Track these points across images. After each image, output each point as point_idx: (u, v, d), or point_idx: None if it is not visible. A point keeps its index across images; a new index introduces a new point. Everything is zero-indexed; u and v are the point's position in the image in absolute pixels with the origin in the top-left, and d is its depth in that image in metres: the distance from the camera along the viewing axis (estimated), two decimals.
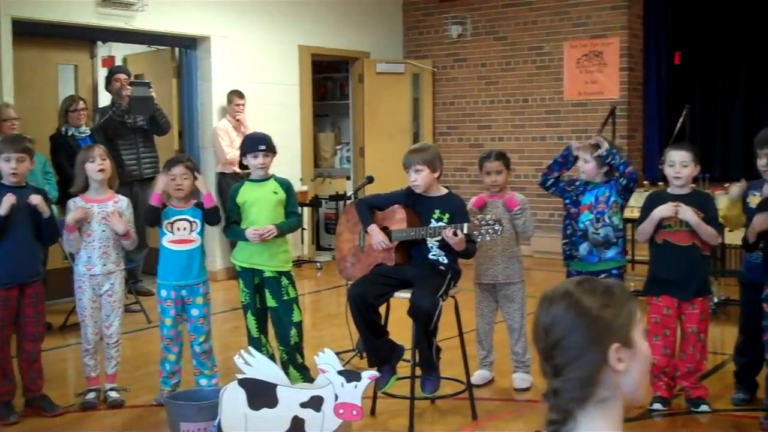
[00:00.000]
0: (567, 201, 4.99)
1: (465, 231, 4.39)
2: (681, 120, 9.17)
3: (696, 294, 4.57)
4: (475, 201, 5.13)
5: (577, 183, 4.98)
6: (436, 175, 4.64)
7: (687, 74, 10.87)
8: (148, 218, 4.95)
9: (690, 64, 10.86)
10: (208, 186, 5.11)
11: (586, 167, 4.87)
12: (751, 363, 4.79)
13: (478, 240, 4.49)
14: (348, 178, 11.27)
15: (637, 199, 7.65)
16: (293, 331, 4.99)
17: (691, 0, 10.80)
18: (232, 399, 3.81)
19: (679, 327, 4.69)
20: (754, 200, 4.70)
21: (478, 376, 5.20)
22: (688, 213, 4.48)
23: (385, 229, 4.68)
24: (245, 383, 3.83)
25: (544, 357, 1.73)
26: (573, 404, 1.67)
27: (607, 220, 4.83)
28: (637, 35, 10.35)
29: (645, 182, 8.84)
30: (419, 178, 4.60)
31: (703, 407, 4.64)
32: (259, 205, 4.97)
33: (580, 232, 4.87)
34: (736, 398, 4.83)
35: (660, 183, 6.55)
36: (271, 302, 4.99)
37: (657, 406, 4.66)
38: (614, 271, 4.87)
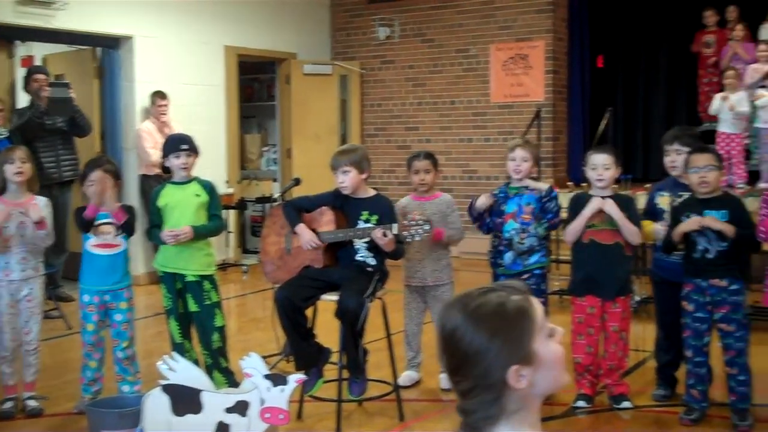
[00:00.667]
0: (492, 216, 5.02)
1: (394, 231, 4.40)
2: (604, 122, 9.39)
3: (618, 293, 4.68)
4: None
5: (497, 192, 5.00)
6: (364, 176, 4.65)
7: (610, 77, 11.15)
8: (80, 225, 4.83)
9: (612, 67, 11.16)
10: (117, 200, 4.93)
11: (523, 166, 4.91)
12: (671, 360, 4.91)
13: (408, 240, 4.51)
14: (275, 180, 11.22)
15: (562, 201, 7.77)
16: (216, 336, 4.93)
17: (614, 4, 11.06)
18: (156, 405, 3.76)
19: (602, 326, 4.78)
20: (662, 200, 4.82)
21: (406, 377, 5.22)
22: (613, 208, 4.58)
23: (312, 231, 4.67)
24: (169, 389, 3.78)
25: (450, 378, 1.73)
26: (483, 423, 1.67)
27: (532, 231, 4.91)
28: (561, 39, 10.55)
29: (569, 183, 9.02)
30: (347, 180, 4.61)
31: (625, 404, 4.75)
32: (181, 208, 4.89)
33: (506, 242, 4.93)
34: (657, 394, 4.95)
35: (584, 184, 6.68)
36: (193, 307, 4.92)
37: (581, 403, 4.75)
38: (537, 271, 4.96)
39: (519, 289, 1.72)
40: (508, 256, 4.93)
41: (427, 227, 4.40)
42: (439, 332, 1.72)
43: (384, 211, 4.63)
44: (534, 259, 4.92)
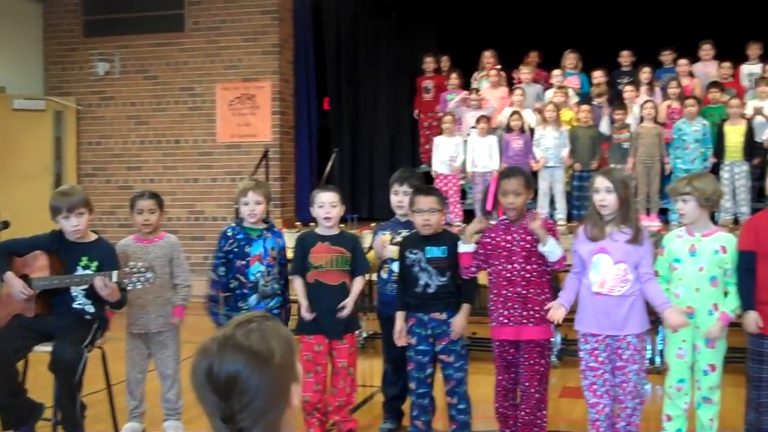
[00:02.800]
0: (231, 256, 4.93)
1: (114, 279, 4.24)
2: (330, 163, 9.68)
3: (345, 330, 4.80)
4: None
5: (238, 234, 4.96)
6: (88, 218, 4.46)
7: (336, 119, 11.52)
8: None
9: (339, 109, 11.54)
10: None
11: (257, 209, 4.92)
12: (398, 393, 5.10)
13: (129, 288, 4.36)
14: None
15: (290, 239, 7.84)
16: None
17: (340, 50, 11.44)
18: None
19: (330, 363, 4.87)
20: (384, 238, 5.04)
21: (128, 429, 5.00)
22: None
23: (24, 277, 4.39)
24: None
25: (224, 417, 1.66)
26: None
27: (275, 274, 4.92)
28: (288, 80, 10.76)
29: (297, 223, 9.16)
30: (82, 223, 4.41)
31: None
32: None
33: (251, 284, 4.87)
34: (384, 428, 5.10)
35: (312, 223, 6.81)
36: None
37: None
38: (275, 311, 4.95)
39: (264, 314, 1.77)
40: (253, 299, 4.87)
41: (149, 275, 4.29)
42: (213, 380, 1.66)
43: (105, 256, 4.45)
44: (274, 302, 4.94)
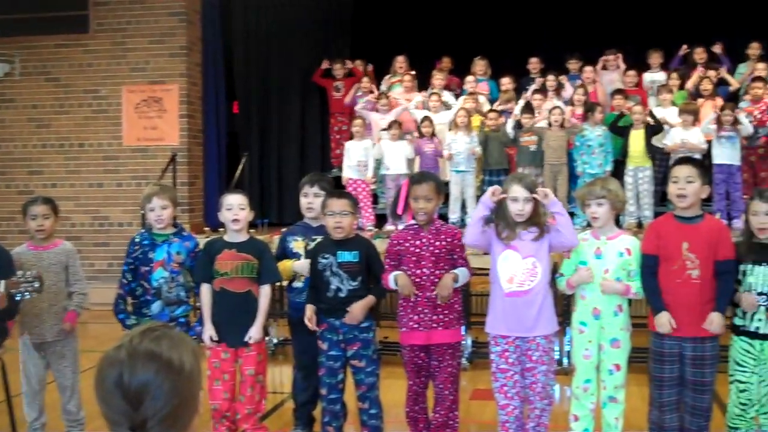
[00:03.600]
0: (137, 263, 4.83)
1: (2, 289, 4.09)
2: (240, 167, 9.58)
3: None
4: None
5: (143, 240, 4.87)
6: None
7: (245, 123, 11.40)
8: None
9: (248, 113, 11.41)
10: None
11: (164, 214, 4.80)
12: (309, 399, 5.05)
13: (18, 298, 4.20)
14: None
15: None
16: None
17: (250, 54, 11.34)
18: None
19: (238, 370, 4.79)
20: (297, 245, 4.99)
21: None
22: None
23: None
24: None
25: (134, 426, 1.64)
26: None
27: (180, 280, 4.82)
28: (196, 83, 10.61)
29: (206, 228, 9.04)
30: None
31: None
32: None
33: (154, 290, 4.78)
34: None
35: (222, 229, 6.74)
36: None
37: None
38: (182, 320, 4.85)
39: (165, 324, 1.79)
40: (156, 306, 4.77)
41: (36, 285, 4.15)
42: (123, 389, 1.64)
43: None
44: (180, 310, 4.84)
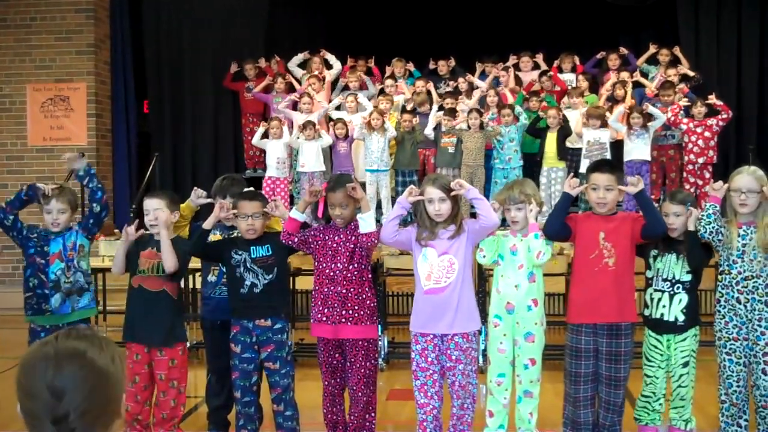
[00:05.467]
0: (31, 251, 4.76)
1: None
2: (151, 168, 9.42)
3: (165, 341, 4.62)
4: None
5: (40, 231, 4.78)
6: None
7: (157, 122, 11.20)
8: None
9: (160, 112, 11.21)
10: None
11: (61, 218, 4.67)
12: (223, 403, 5.01)
13: None
14: None
15: (107, 249, 7.64)
16: None
17: (161, 51, 11.17)
18: None
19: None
20: (214, 239, 4.92)
21: None
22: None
23: None
24: None
25: (54, 419, 1.70)
26: None
27: (77, 266, 4.77)
28: (104, 82, 10.41)
29: (116, 231, 8.85)
30: None
31: None
32: None
33: (52, 284, 4.72)
34: None
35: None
36: None
37: None
38: (86, 323, 4.81)
39: (82, 328, 1.81)
40: (56, 299, 4.70)
41: None
42: (49, 387, 1.70)
43: None
44: (84, 301, 4.78)
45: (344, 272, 4.48)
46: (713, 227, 4.44)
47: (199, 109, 11.21)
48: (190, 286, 7.33)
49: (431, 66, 10.65)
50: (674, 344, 4.55)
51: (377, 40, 11.34)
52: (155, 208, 4.68)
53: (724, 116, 8.94)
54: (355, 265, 4.49)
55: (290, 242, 4.56)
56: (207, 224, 4.68)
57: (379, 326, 6.30)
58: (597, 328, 4.40)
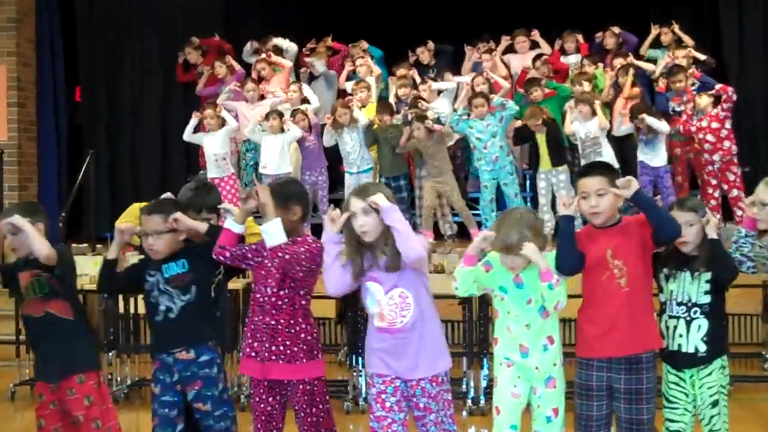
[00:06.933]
0: None
1: None
2: (84, 168, 9.38)
3: (62, 373, 4.59)
4: None
5: None
6: None
7: (91, 113, 11.17)
8: None
9: (95, 101, 11.16)
10: None
11: None
12: None
13: None
14: None
15: None
16: None
17: (95, 30, 11.15)
18: None
19: None
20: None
21: None
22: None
23: None
24: None
25: None
26: None
27: None
28: (28, 64, 10.41)
29: None
30: None
31: None
32: None
33: None
34: None
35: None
36: None
37: None
38: None
39: None
40: None
41: None
42: None
43: None
44: None
45: (273, 299, 4.40)
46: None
47: (143, 97, 11.19)
48: (131, 310, 7.30)
49: (411, 59, 10.62)
50: (698, 380, 4.46)
51: (351, 25, 11.38)
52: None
53: (724, 97, 8.87)
54: (286, 291, 4.39)
55: (221, 257, 4.45)
56: (110, 253, 4.61)
57: (360, 360, 6.45)
58: (612, 363, 4.35)
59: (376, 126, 9.26)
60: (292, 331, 4.39)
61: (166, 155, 11.21)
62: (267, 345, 4.38)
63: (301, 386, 4.40)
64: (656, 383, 4.40)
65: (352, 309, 6.78)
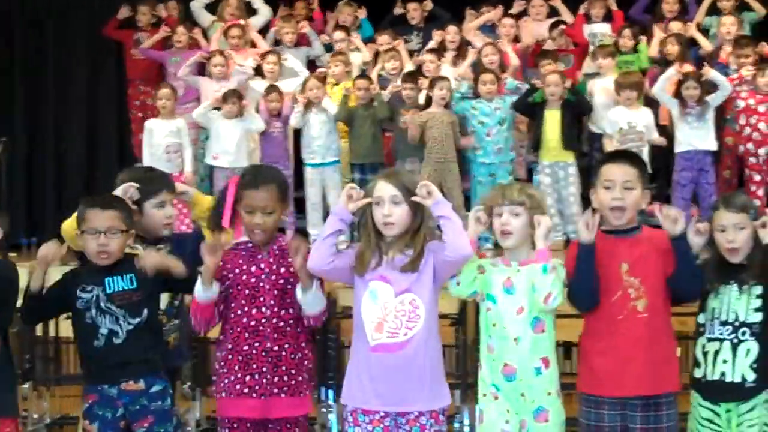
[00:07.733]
0: None
1: None
2: None
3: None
4: None
5: None
6: None
7: (3, 95, 10.90)
8: None
9: (7, 83, 10.92)
10: None
11: None
12: None
13: None
14: None
15: None
16: None
17: None
18: None
19: None
20: None
21: None
22: None
23: None
24: None
25: None
26: None
27: None
28: None
29: None
30: None
31: None
32: None
33: None
34: None
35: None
36: None
37: None
38: None
39: None
40: None
41: None
42: None
43: None
44: None
45: (273, 320, 4.29)
46: None
47: (68, 73, 10.94)
48: (51, 332, 6.89)
49: (397, 11, 10.42)
50: (736, 416, 4.28)
51: None
52: None
53: None
54: (290, 310, 4.29)
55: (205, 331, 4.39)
56: (34, 283, 4.40)
57: (330, 392, 6.21)
58: (626, 401, 4.24)
59: (351, 101, 8.95)
60: (295, 357, 4.32)
61: (94, 144, 11.04)
62: (269, 377, 4.26)
63: (289, 427, 4.35)
64: (677, 421, 4.30)
65: (320, 330, 6.29)
